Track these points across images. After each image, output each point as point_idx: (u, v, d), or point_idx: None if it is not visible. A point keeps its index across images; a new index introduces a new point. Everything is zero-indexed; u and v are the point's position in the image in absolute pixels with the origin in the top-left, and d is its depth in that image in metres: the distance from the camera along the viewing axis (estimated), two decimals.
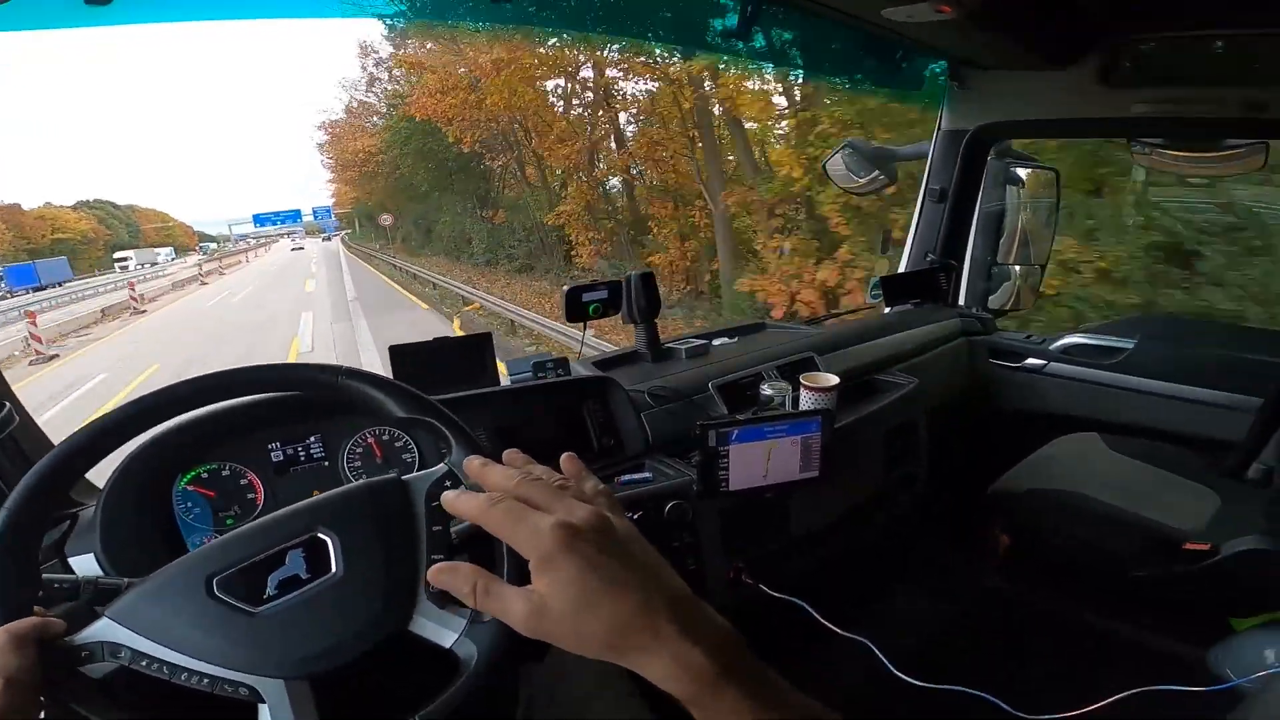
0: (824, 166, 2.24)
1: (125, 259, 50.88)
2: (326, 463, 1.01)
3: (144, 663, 0.55)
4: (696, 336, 1.59)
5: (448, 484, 0.64)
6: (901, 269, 2.15)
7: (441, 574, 0.49)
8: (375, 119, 27.24)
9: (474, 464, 0.51)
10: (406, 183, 25.64)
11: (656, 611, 0.40)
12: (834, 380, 1.24)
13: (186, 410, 0.70)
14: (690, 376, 1.36)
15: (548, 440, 1.15)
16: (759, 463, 1.07)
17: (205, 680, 0.55)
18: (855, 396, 1.43)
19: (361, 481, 0.75)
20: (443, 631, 0.59)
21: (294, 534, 0.62)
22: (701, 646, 0.39)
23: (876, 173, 2.15)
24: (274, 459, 0.99)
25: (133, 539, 0.85)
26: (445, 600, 0.59)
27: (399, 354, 1.17)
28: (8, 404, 0.93)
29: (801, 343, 1.57)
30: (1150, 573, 1.49)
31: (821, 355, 1.49)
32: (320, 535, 0.62)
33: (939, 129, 2.06)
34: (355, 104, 27.73)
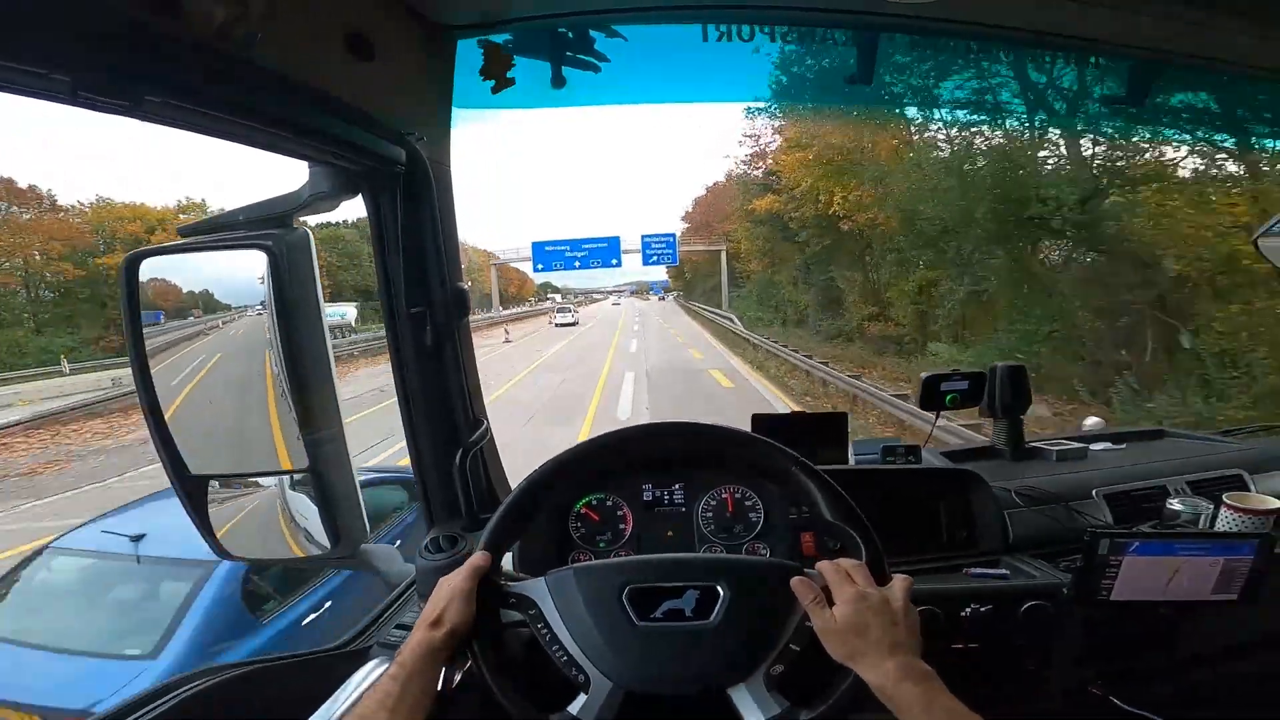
0: (1255, 241, 1.85)
1: None
2: (684, 509, 1.24)
3: (540, 625, 0.77)
4: (1069, 438, 1.52)
5: None
6: None
7: (798, 584, 0.79)
8: None
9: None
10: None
11: (885, 646, 0.73)
12: (1275, 504, 1.11)
13: (651, 447, 0.97)
14: (1066, 480, 1.34)
15: (895, 522, 1.23)
16: (1159, 577, 1.03)
17: (565, 658, 0.76)
18: None
19: (768, 559, 0.94)
20: (754, 710, 0.73)
21: (700, 578, 0.81)
22: (896, 662, 0.72)
23: None
24: (645, 498, 1.25)
25: (538, 544, 1.16)
26: (776, 685, 0.74)
27: (761, 422, 1.38)
28: (485, 422, 1.31)
29: (1224, 457, 1.41)
30: None
31: (1255, 474, 1.32)
32: (719, 588, 0.80)
33: None
34: None
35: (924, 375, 1.47)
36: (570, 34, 1.26)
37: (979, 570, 1.16)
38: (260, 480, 1.16)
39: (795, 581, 0.78)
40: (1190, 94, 1.80)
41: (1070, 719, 1.17)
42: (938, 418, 1.52)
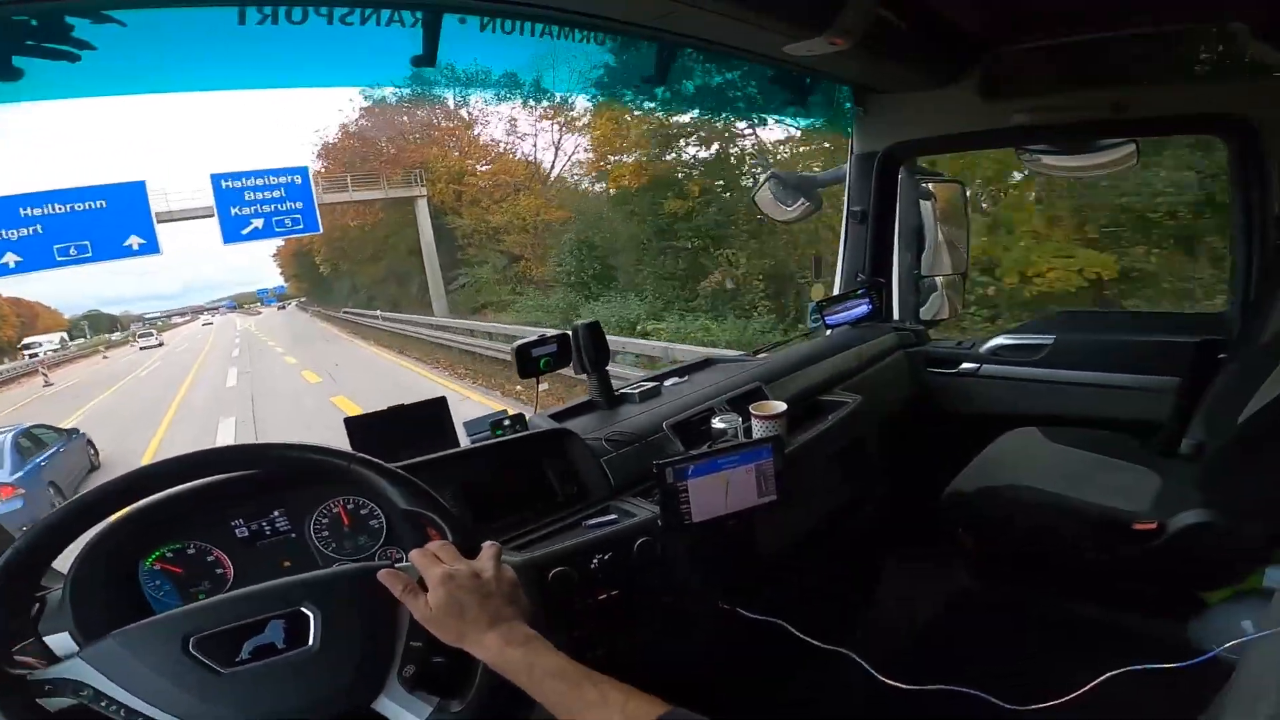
0: (753, 198, 2.46)
1: None
2: (294, 534, 1.09)
3: (103, 703, 0.66)
4: (647, 379, 1.74)
5: None
6: (836, 291, 2.38)
7: (386, 576, 0.76)
8: None
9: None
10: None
11: (485, 620, 0.73)
12: (781, 407, 1.40)
13: (173, 485, 0.83)
14: (645, 419, 1.50)
15: (512, 494, 1.27)
16: (719, 494, 1.19)
17: None
18: (805, 419, 1.60)
19: (354, 565, 0.87)
20: (405, 716, 0.71)
21: (278, 606, 0.74)
22: (497, 632, 0.73)
23: (803, 200, 2.39)
24: (239, 535, 1.06)
25: (105, 617, 0.91)
26: (415, 686, 0.72)
27: (356, 425, 1.26)
28: None
29: (749, 374, 1.74)
30: (1107, 556, 1.66)
31: (769, 384, 1.66)
32: (304, 610, 0.73)
33: (851, 153, 2.32)
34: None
35: (515, 345, 1.51)
36: (33, 20, 1.03)
37: (593, 521, 1.22)
38: None
39: (381, 575, 0.76)
40: (701, 73, 2.18)
41: (714, 637, 1.29)
42: (539, 382, 1.59)
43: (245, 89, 1.46)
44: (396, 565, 0.80)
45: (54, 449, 7.40)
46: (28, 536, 0.72)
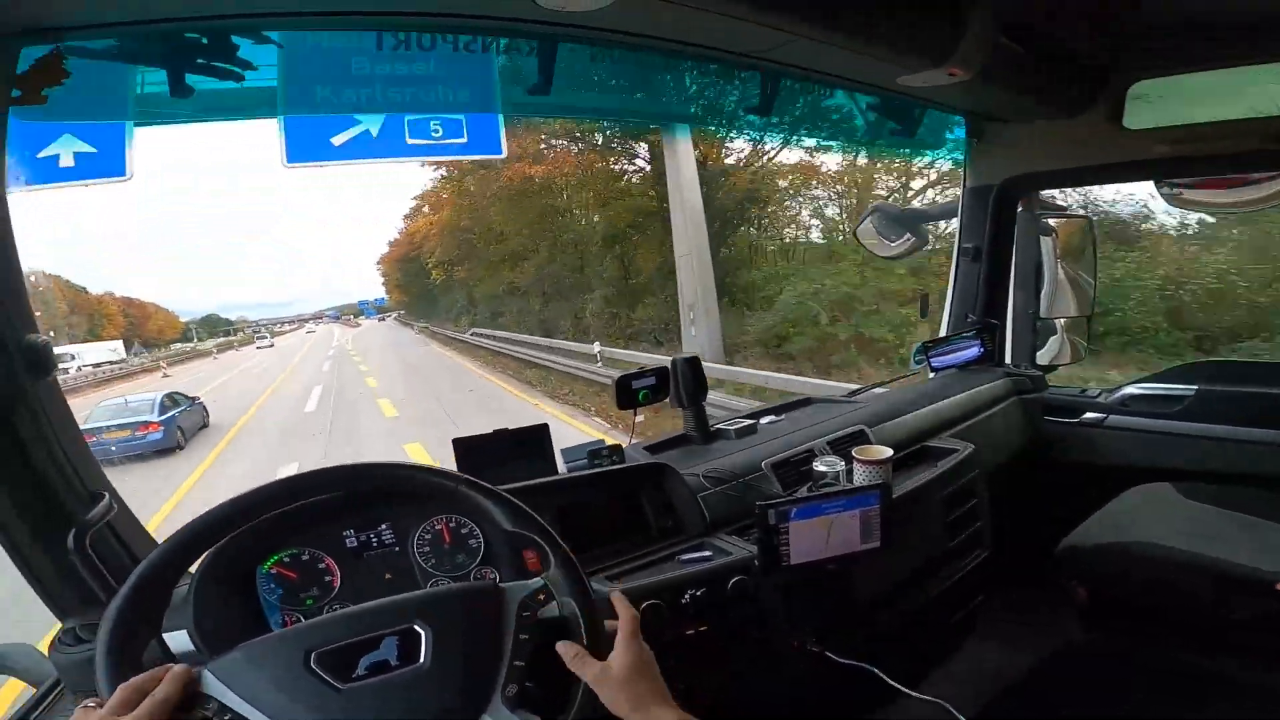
0: (855, 232, 2.40)
1: None
2: (397, 548, 1.15)
3: (227, 717, 0.68)
4: (744, 416, 1.72)
5: (541, 597, 0.80)
6: (943, 332, 2.28)
7: (564, 647, 0.77)
8: None
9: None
10: None
11: (659, 693, 0.76)
12: (888, 453, 1.35)
13: (299, 501, 0.87)
14: (742, 457, 1.49)
15: (607, 523, 1.29)
16: (819, 536, 1.17)
17: None
18: (910, 465, 1.54)
19: (462, 584, 0.90)
20: None
21: (392, 622, 0.76)
22: (671, 709, 0.74)
23: (908, 235, 2.31)
24: (349, 545, 1.13)
25: (221, 617, 0.99)
26: (518, 704, 0.72)
27: (463, 446, 1.32)
28: (107, 494, 1.07)
29: (850, 416, 1.70)
30: (1248, 616, 1.53)
31: (871, 427, 1.61)
32: (416, 627, 0.76)
33: (964, 186, 2.23)
34: None
35: (616, 377, 1.54)
36: (204, 39, 1.10)
37: (687, 556, 1.22)
38: None
39: (560, 647, 0.78)
40: (804, 102, 2.16)
41: (801, 679, 1.28)
42: (635, 414, 1.61)
43: (379, 113, 1.55)
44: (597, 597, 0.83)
45: (183, 406, 11.51)
46: (162, 550, 0.76)
